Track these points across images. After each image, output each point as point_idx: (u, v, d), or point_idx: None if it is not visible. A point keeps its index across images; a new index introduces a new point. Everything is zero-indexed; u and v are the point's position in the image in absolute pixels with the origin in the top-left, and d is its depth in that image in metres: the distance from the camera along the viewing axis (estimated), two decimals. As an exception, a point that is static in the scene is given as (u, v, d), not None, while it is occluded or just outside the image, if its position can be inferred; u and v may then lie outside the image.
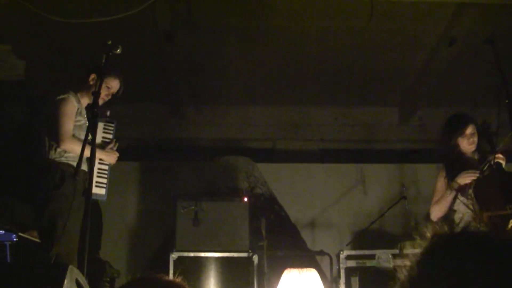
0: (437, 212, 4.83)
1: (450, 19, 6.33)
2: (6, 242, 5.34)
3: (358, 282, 5.44)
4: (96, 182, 4.59)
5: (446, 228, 1.40)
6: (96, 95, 3.84)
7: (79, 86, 4.62)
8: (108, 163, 4.70)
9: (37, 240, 5.62)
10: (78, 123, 4.44)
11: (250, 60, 7.15)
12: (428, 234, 1.41)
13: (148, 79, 7.30)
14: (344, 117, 8.39)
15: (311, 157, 8.23)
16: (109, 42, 4.03)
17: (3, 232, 5.32)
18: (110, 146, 4.70)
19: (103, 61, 4.02)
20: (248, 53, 7.01)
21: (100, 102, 4.30)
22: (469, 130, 4.73)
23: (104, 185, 4.71)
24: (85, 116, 4.40)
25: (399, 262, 5.67)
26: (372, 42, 6.76)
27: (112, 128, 4.83)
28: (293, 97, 8.09)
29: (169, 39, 6.54)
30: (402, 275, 1.36)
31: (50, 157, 4.35)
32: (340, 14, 6.31)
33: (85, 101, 4.57)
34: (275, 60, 7.18)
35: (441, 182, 4.85)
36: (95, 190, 4.44)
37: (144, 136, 4.36)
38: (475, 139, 4.75)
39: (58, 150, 4.38)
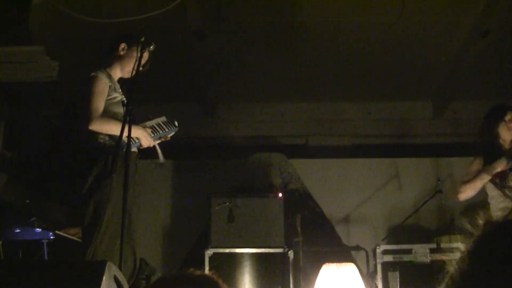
0: (469, 191, 4.78)
1: (482, 10, 6.22)
2: (43, 240, 5.55)
3: (398, 277, 5.39)
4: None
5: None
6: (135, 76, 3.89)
7: (108, 60, 4.39)
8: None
9: (73, 237, 5.89)
10: (114, 100, 4.23)
11: (282, 57, 7.12)
12: (480, 222, 1.37)
13: (179, 79, 7.32)
14: (377, 112, 8.33)
15: (344, 152, 8.19)
16: (142, 39, 4.01)
17: (40, 230, 5.55)
18: (150, 131, 4.34)
19: (137, 57, 4.03)
20: (279, 49, 6.99)
21: (129, 74, 4.24)
22: (509, 116, 4.72)
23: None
24: (120, 91, 4.31)
25: (437, 256, 5.64)
26: (404, 36, 6.70)
27: (167, 129, 4.51)
28: (325, 93, 8.04)
29: (200, 38, 6.55)
30: (451, 268, 1.31)
31: (99, 141, 4.14)
32: (370, 8, 6.26)
33: (116, 73, 4.38)
34: (306, 56, 7.14)
35: (476, 167, 4.81)
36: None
37: (177, 135, 4.38)
38: None
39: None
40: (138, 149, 4.29)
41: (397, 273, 5.45)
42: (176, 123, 4.53)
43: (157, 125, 4.45)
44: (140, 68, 4.20)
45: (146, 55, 4.32)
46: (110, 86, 4.21)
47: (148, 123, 4.40)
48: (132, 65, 4.14)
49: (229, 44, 6.88)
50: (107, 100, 4.18)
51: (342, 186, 7.85)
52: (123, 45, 4.34)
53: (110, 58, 4.40)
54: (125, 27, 5.77)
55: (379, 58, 7.17)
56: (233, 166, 7.76)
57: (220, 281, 1.72)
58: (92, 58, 5.74)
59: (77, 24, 6.02)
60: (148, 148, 4.36)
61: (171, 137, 4.56)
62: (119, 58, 4.35)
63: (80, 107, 4.17)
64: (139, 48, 4.03)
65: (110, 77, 4.27)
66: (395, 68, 7.33)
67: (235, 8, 6.29)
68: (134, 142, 4.13)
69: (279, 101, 8.27)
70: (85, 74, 4.22)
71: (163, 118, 4.53)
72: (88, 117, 4.06)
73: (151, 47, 4.03)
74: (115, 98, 4.22)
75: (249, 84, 7.73)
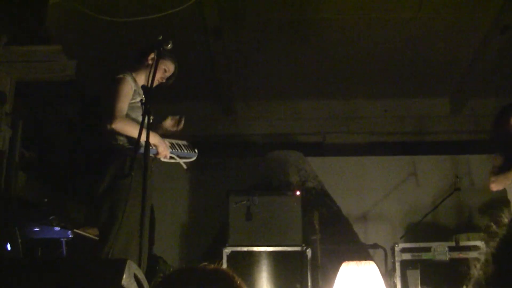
0: (501, 182, 4.75)
1: (501, 6, 6.17)
2: (62, 239, 5.59)
3: (419, 275, 5.36)
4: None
5: None
6: (152, 78, 3.90)
7: (136, 66, 4.43)
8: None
9: (92, 236, 5.84)
10: (137, 104, 4.27)
11: (299, 54, 7.12)
12: (506, 220, 1.32)
13: (197, 77, 7.28)
14: (394, 109, 8.31)
15: (361, 150, 8.16)
16: (160, 38, 4.00)
17: (59, 228, 5.58)
18: (168, 142, 4.42)
19: (155, 56, 4.05)
20: (296, 47, 6.98)
21: (155, 83, 4.20)
22: None
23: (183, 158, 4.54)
24: (142, 95, 4.33)
25: (455, 254, 5.61)
26: (422, 32, 6.67)
27: (186, 151, 4.55)
28: (342, 90, 8.04)
29: (217, 36, 6.54)
30: (475, 271, 1.26)
31: (118, 142, 4.18)
32: (389, 4, 6.23)
33: (141, 80, 4.42)
34: (324, 53, 7.13)
35: (499, 162, 4.79)
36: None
37: (195, 132, 4.39)
38: None
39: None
40: (153, 155, 4.28)
41: (418, 272, 5.40)
42: (196, 150, 4.59)
43: (176, 144, 4.51)
44: (164, 81, 4.40)
45: (172, 67, 4.45)
46: (135, 90, 4.26)
47: (168, 140, 4.44)
48: (157, 75, 4.21)
49: (246, 41, 6.89)
50: (130, 103, 4.23)
51: (359, 184, 7.83)
52: (152, 55, 4.34)
53: (138, 64, 4.44)
54: (142, 25, 5.85)
55: (397, 55, 7.14)
56: (251, 164, 7.79)
57: (235, 276, 1.72)
58: (109, 57, 5.82)
59: (94, 23, 6.05)
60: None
61: (189, 135, 4.62)
62: (147, 67, 4.38)
63: (104, 106, 4.22)
64: (157, 49, 4.04)
65: (135, 81, 4.33)
66: (412, 64, 7.31)
67: (252, 6, 6.29)
68: (151, 149, 4.11)
69: (296, 99, 8.26)
70: (111, 75, 4.26)
71: (184, 142, 4.60)
72: (111, 116, 4.10)
73: (169, 45, 3.99)
74: (137, 101, 4.27)
75: (267, 81, 7.73)
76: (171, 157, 4.42)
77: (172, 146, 4.44)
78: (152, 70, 4.13)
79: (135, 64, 4.45)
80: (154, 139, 4.14)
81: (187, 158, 4.56)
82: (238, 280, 1.70)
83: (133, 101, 4.24)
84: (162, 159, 4.37)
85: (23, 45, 6.04)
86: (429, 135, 8.35)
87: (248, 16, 6.43)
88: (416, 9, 5.98)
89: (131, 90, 4.23)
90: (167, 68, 4.44)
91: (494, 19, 6.42)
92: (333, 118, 8.32)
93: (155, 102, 4.03)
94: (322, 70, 7.45)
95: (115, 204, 4.00)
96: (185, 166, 4.56)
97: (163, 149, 4.27)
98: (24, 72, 6.08)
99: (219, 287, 1.67)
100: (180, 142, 4.56)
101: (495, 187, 4.80)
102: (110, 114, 4.11)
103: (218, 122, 8.09)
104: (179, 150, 4.49)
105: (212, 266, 1.75)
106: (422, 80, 7.71)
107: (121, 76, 4.22)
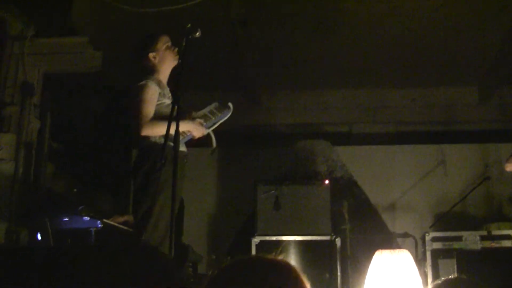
0: None
1: (531, -8, 6.05)
2: (91, 229, 5.31)
3: (455, 264, 5.31)
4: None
5: None
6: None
7: (149, 69, 4.47)
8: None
9: (120, 225, 5.92)
10: (164, 105, 4.34)
11: (325, 44, 7.03)
12: None
13: (222, 67, 7.29)
14: (421, 98, 8.19)
15: (389, 139, 8.11)
16: (188, 25, 3.99)
17: (88, 218, 5.32)
18: (200, 120, 4.46)
19: (183, 44, 3.98)
20: (322, 36, 6.89)
21: (174, 64, 4.37)
22: None
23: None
24: (170, 95, 4.41)
25: (487, 243, 5.55)
26: (450, 20, 6.55)
27: (219, 113, 4.57)
28: (369, 80, 7.94)
29: (243, 25, 6.50)
30: None
31: (151, 139, 4.28)
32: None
33: (165, 75, 4.49)
34: (350, 42, 7.04)
35: None
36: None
37: (222, 123, 4.43)
38: None
39: None
40: (191, 140, 4.38)
41: (454, 261, 5.35)
42: (229, 105, 4.59)
43: (209, 112, 4.54)
44: (179, 58, 4.28)
45: (166, 39, 4.49)
46: (160, 93, 4.32)
47: (200, 113, 4.50)
48: (170, 57, 4.40)
49: (272, 31, 6.82)
50: (157, 105, 4.30)
51: (387, 173, 7.78)
52: (152, 55, 4.44)
53: (149, 68, 4.47)
54: (168, 16, 5.81)
55: (424, 43, 7.03)
56: (278, 154, 7.77)
57: (295, 267, 1.72)
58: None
59: (120, 13, 6.03)
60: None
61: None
62: (157, 64, 4.46)
63: (132, 115, 4.31)
64: (185, 38, 3.99)
65: (159, 83, 4.37)
66: (440, 52, 7.20)
67: (276, -6, 6.21)
68: (185, 136, 4.27)
69: (323, 88, 8.19)
70: (135, 82, 4.32)
71: (215, 104, 4.62)
72: (139, 124, 4.20)
73: (197, 33, 3.97)
74: (164, 103, 4.33)
75: (293, 71, 7.67)
76: (208, 130, 4.49)
77: (205, 118, 4.49)
78: (168, 57, 4.37)
79: (146, 69, 4.47)
80: (184, 126, 4.18)
81: (224, 118, 4.58)
82: (298, 271, 1.70)
83: (159, 102, 4.31)
84: (202, 136, 4.44)
85: (49, 37, 6.17)
86: (458, 124, 8.25)
87: (273, 5, 6.37)
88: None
89: (155, 94, 4.30)
90: (168, 45, 4.49)
91: (524, 6, 6.28)
92: (360, 107, 8.23)
93: (182, 93, 3.92)
94: (348, 59, 7.37)
95: (151, 197, 4.06)
96: (214, 145, 4.58)
97: (197, 131, 4.36)
98: (51, 64, 6.20)
99: (282, 278, 1.65)
100: (211, 107, 4.60)
101: (509, 167, 4.82)
102: (138, 123, 4.21)
103: (245, 113, 7.93)
104: (213, 118, 4.53)
105: (269, 257, 1.74)
106: (450, 68, 7.59)
107: (143, 82, 4.28)
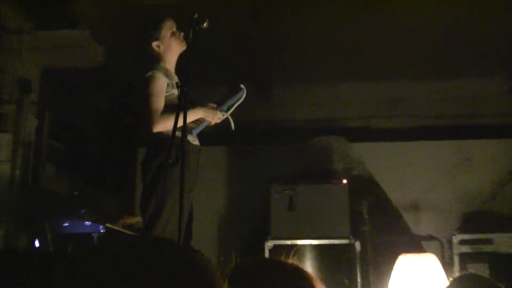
0: None
1: None
2: (93, 234, 5.41)
3: (488, 269, 5.06)
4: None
5: None
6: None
7: (153, 60, 4.29)
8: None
9: (125, 230, 5.75)
10: (173, 96, 4.16)
11: (340, 34, 6.77)
12: None
13: (232, 59, 7.06)
14: (444, 90, 7.81)
15: (410, 134, 7.78)
16: (195, 15, 3.86)
17: (90, 223, 5.42)
18: (212, 104, 4.30)
19: (190, 36, 3.87)
20: (337, 26, 6.64)
21: (181, 50, 4.25)
22: None
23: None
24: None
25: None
26: (475, 8, 6.27)
27: (233, 95, 4.41)
28: (388, 71, 7.58)
29: (254, 15, 6.31)
30: None
31: (163, 133, 4.08)
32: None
33: (170, 63, 4.32)
34: (367, 32, 6.74)
35: None
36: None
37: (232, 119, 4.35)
38: None
39: None
40: (208, 126, 4.28)
41: (486, 266, 5.10)
42: (242, 86, 4.45)
43: (222, 96, 4.42)
44: (185, 44, 4.24)
45: (170, 23, 4.30)
46: (168, 84, 4.16)
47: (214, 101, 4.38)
48: (176, 44, 4.25)
49: (284, 21, 6.57)
50: (166, 96, 4.14)
51: (409, 171, 7.44)
52: (155, 44, 4.26)
53: (154, 57, 4.30)
54: (174, 8, 5.49)
55: (447, 32, 6.71)
56: (291, 151, 7.53)
57: (314, 277, 1.67)
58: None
59: (124, 4, 5.86)
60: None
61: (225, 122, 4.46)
62: (162, 53, 4.29)
63: (140, 111, 4.15)
64: (193, 29, 3.90)
65: (167, 72, 4.21)
66: (464, 41, 6.85)
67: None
68: (200, 124, 4.19)
69: (339, 81, 7.86)
70: (141, 74, 4.15)
71: (227, 89, 4.51)
72: (150, 121, 4.04)
73: (205, 24, 3.85)
74: (173, 93, 4.16)
75: (306, 63, 7.35)
76: (224, 115, 4.36)
77: (220, 103, 4.36)
78: (173, 44, 4.22)
79: (152, 58, 4.29)
80: (197, 114, 4.13)
81: (239, 100, 4.45)
82: (312, 277, 1.65)
83: (168, 93, 4.15)
84: (219, 121, 4.33)
85: (49, 30, 5.99)
86: (484, 117, 7.86)
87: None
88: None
89: (164, 85, 4.13)
90: (173, 30, 4.30)
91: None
92: (378, 101, 7.92)
93: (191, 86, 3.80)
94: (364, 50, 7.06)
95: (160, 196, 3.88)
96: (233, 127, 4.42)
97: (211, 117, 4.23)
98: (51, 58, 6.06)
99: (294, 284, 1.61)
100: (223, 92, 4.49)
101: None
102: (149, 120, 4.04)
103: (255, 108, 7.63)
104: (229, 100, 4.40)
105: (289, 261, 1.70)
106: (475, 58, 7.24)
107: (150, 74, 4.10)
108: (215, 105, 4.28)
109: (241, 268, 1.69)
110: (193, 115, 3.96)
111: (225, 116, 4.33)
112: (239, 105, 4.43)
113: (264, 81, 7.75)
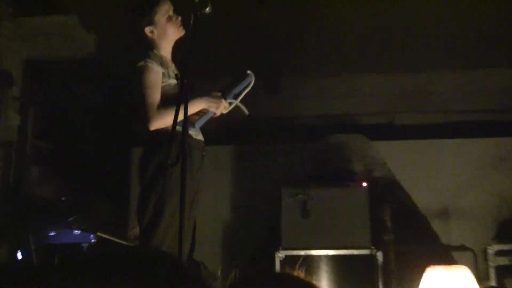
0: None
1: None
2: (83, 244, 5.29)
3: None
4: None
5: None
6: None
7: (147, 46, 4.08)
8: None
9: (119, 240, 5.60)
10: (170, 86, 3.96)
11: (358, 22, 6.43)
12: None
13: (238, 51, 6.71)
14: (475, 82, 7.40)
15: (437, 132, 7.45)
16: (197, 0, 3.63)
17: (79, 232, 5.27)
18: (216, 93, 4.06)
19: (191, 21, 3.65)
20: (355, 14, 6.29)
21: (179, 35, 4.06)
22: None
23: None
24: (175, 73, 4.03)
25: None
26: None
27: (239, 83, 4.19)
28: (413, 62, 7.16)
29: (260, 1, 6.03)
30: None
31: (163, 129, 3.88)
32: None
33: (166, 50, 4.10)
34: (388, 20, 6.37)
35: None
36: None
37: (237, 116, 4.10)
38: None
39: None
40: (212, 118, 4.09)
41: None
42: (248, 71, 4.25)
43: (227, 83, 4.24)
44: (184, 29, 4.09)
45: (167, 6, 4.11)
46: (163, 73, 3.99)
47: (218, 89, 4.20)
48: (173, 29, 4.07)
49: (293, 8, 6.28)
50: (162, 87, 3.98)
51: (436, 173, 7.14)
52: (148, 29, 4.08)
53: (148, 43, 4.10)
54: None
55: (475, 20, 6.33)
56: (304, 150, 7.30)
57: None
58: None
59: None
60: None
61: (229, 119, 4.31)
62: (156, 39, 4.11)
63: (136, 105, 4.00)
64: (194, 14, 3.70)
65: (161, 60, 4.02)
66: (497, 28, 6.45)
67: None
68: (203, 115, 3.99)
69: (355, 73, 7.47)
70: (134, 62, 3.98)
71: (233, 76, 4.32)
72: (147, 118, 3.86)
73: (207, 9, 3.61)
74: (170, 84, 4.00)
75: (321, 54, 7.00)
76: (231, 103, 4.14)
77: (226, 91, 4.14)
78: (168, 29, 4.03)
79: (146, 45, 4.10)
80: (199, 104, 3.95)
81: (247, 88, 4.24)
82: None
83: (164, 84, 3.97)
84: (226, 111, 4.12)
85: (34, 16, 5.86)
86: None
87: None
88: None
89: (158, 75, 3.95)
90: (170, 15, 4.09)
91: None
92: (402, 95, 7.54)
93: (192, 78, 3.58)
94: (386, 39, 6.69)
95: (161, 197, 3.76)
96: (246, 112, 4.23)
97: (215, 106, 4.00)
98: (34, 48, 5.99)
99: None
100: (229, 80, 4.30)
101: None
102: (145, 115, 3.86)
103: (264, 103, 7.33)
104: (234, 87, 4.18)
105: (299, 275, 1.31)
106: (510, 47, 6.83)
107: (142, 63, 3.91)
108: (219, 94, 4.06)
109: (244, 283, 1.69)
110: (194, 106, 3.81)
111: (233, 105, 4.11)
112: (246, 93, 4.23)
113: (272, 74, 7.45)
